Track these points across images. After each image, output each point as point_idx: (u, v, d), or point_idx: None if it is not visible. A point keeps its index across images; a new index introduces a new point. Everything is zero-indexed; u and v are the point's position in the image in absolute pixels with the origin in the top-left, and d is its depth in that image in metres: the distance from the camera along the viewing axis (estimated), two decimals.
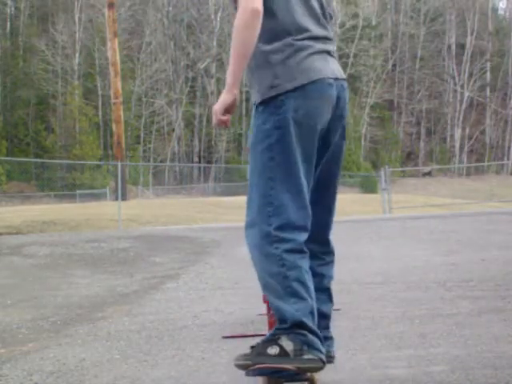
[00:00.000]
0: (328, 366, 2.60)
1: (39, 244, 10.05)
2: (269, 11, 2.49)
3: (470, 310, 4.18)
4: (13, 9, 53.06)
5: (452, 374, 2.73)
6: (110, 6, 26.09)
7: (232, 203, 23.20)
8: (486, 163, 55.15)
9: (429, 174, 54.74)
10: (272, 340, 2.46)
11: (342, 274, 6.40)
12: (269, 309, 3.81)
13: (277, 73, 2.49)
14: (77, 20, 50.29)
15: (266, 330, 3.83)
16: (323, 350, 2.47)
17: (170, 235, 11.45)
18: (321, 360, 2.43)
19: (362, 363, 3.00)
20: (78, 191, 36.03)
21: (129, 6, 51.73)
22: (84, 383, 3.07)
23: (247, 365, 2.47)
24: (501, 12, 73.22)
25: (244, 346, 3.55)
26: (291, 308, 2.44)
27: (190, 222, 17.02)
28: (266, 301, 3.81)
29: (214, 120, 2.55)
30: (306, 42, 2.52)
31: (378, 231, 11.06)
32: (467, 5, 62.41)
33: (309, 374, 2.52)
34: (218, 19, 54.13)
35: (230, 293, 5.67)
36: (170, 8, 55.72)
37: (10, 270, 8.02)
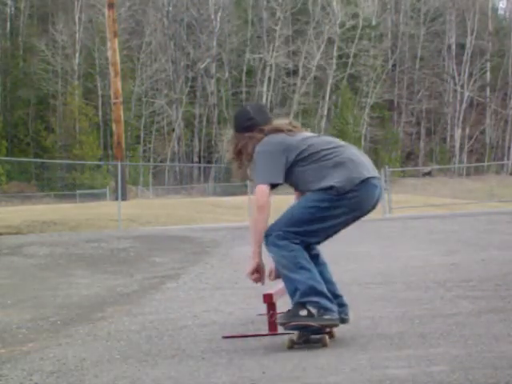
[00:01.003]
0: (328, 367, 2.81)
1: (39, 244, 10.05)
2: None
3: (470, 310, 4.18)
4: (13, 9, 53.05)
5: (452, 373, 2.73)
6: (110, 5, 26.10)
7: (232, 203, 23.21)
8: (485, 163, 55.10)
9: (429, 174, 54.71)
10: (302, 305, 3.36)
11: (342, 274, 6.40)
12: (269, 309, 3.82)
13: None
14: (77, 20, 50.27)
15: (266, 330, 3.83)
16: (335, 309, 3.41)
17: (170, 235, 11.46)
18: (336, 319, 3.40)
19: (362, 363, 3.00)
20: (78, 191, 36.03)
21: (129, 6, 51.70)
22: (84, 383, 3.08)
23: (285, 322, 3.41)
24: (501, 12, 73.23)
25: (244, 346, 3.56)
26: (302, 277, 3.39)
27: (190, 222, 17.02)
28: (265, 301, 3.81)
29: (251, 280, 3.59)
30: None
31: (377, 231, 11.06)
32: (467, 5, 62.36)
33: (328, 329, 3.47)
34: (218, 19, 54.10)
35: (229, 293, 5.68)
36: (170, 8, 55.69)
37: (10, 270, 8.02)
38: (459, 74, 61.28)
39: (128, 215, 16.82)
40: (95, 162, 42.04)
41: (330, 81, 55.45)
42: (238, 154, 3.63)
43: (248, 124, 3.60)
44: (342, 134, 53.45)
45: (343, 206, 3.45)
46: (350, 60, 56.15)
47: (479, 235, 9.56)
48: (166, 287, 6.30)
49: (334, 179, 3.42)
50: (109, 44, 26.57)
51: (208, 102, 53.99)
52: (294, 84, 55.23)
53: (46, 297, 6.08)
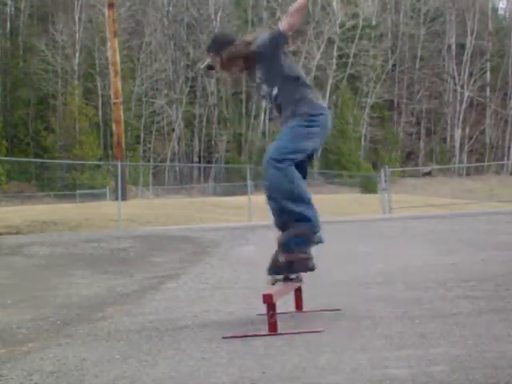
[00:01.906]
0: (328, 367, 2.79)
1: (39, 244, 10.05)
2: None
3: (470, 310, 4.18)
4: (13, 9, 53.07)
5: (452, 373, 2.73)
6: (110, 5, 26.09)
7: (232, 203, 23.21)
8: (485, 163, 55.11)
9: (429, 173, 54.72)
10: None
11: (342, 274, 6.41)
12: (269, 309, 3.82)
13: None
14: (77, 20, 50.28)
15: (266, 330, 3.83)
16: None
17: (170, 235, 11.45)
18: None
19: (362, 363, 3.00)
20: (78, 191, 36.03)
21: (129, 6, 51.70)
22: (84, 383, 3.07)
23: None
24: (501, 12, 73.23)
25: (244, 346, 3.56)
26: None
27: (190, 222, 17.02)
28: (265, 301, 3.81)
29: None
30: None
31: (378, 231, 11.06)
32: (467, 5, 62.37)
33: None
34: (218, 19, 54.12)
35: (230, 293, 5.67)
36: (170, 8, 55.71)
37: (10, 270, 8.02)
38: (459, 74, 61.29)
39: (128, 215, 16.82)
40: (95, 162, 42.04)
41: (330, 81, 55.46)
42: (229, 66, 4.29)
43: (230, 39, 4.34)
44: (342, 134, 53.52)
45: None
46: (350, 60, 56.17)
47: (479, 235, 9.56)
48: (166, 287, 6.30)
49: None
50: (109, 44, 26.57)
51: (208, 101, 54.00)
52: None
53: (46, 297, 6.08)
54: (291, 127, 4.19)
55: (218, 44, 4.31)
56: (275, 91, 4.28)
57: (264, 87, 4.37)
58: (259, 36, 4.24)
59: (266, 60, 4.21)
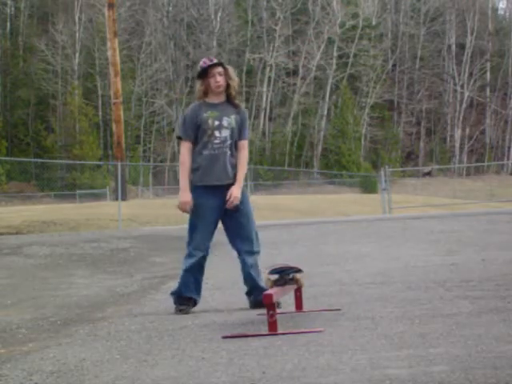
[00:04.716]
0: (328, 367, 2.73)
1: (39, 244, 10.05)
2: None
3: (470, 310, 4.18)
4: (13, 9, 53.07)
5: (452, 373, 2.73)
6: (110, 5, 26.07)
7: None
8: (485, 163, 55.10)
9: (429, 174, 54.71)
10: None
11: (342, 274, 6.41)
12: (269, 309, 3.82)
13: None
14: (77, 20, 50.29)
15: (266, 330, 3.83)
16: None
17: (170, 235, 11.44)
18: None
19: (362, 363, 3.00)
20: (78, 191, 36.01)
21: (129, 5, 51.70)
22: (84, 383, 3.07)
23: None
24: (501, 12, 73.23)
25: (244, 346, 3.56)
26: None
27: None
28: (265, 301, 3.81)
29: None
30: None
31: (378, 231, 11.06)
32: (467, 5, 62.36)
33: None
34: (218, 19, 54.12)
35: (229, 293, 5.68)
36: (170, 8, 55.70)
37: (10, 270, 8.02)
38: (459, 74, 61.28)
39: (128, 215, 16.80)
40: (95, 162, 42.02)
41: (330, 81, 55.46)
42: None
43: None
44: (342, 134, 53.52)
45: None
46: (350, 60, 56.16)
47: (479, 235, 9.56)
48: (166, 287, 6.30)
49: None
50: (109, 44, 26.55)
51: None
52: (294, 84, 55.23)
53: (45, 297, 6.08)
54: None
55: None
56: (230, 141, 4.81)
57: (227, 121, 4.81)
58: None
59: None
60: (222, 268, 7.54)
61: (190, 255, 4.99)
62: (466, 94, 60.51)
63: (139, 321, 4.64)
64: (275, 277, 4.33)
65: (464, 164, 57.62)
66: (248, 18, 55.14)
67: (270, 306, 3.79)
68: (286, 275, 4.36)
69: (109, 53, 26.88)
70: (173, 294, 4.89)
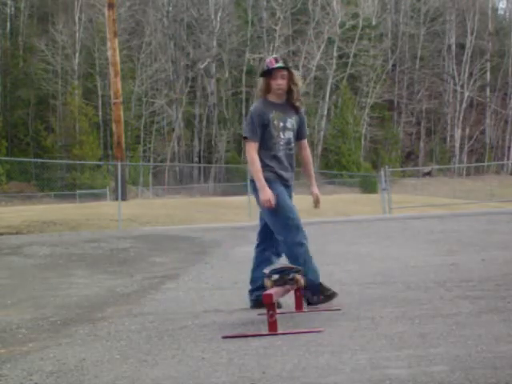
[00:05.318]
0: (328, 367, 2.79)
1: (39, 244, 10.04)
2: None
3: (470, 310, 4.18)
4: (13, 9, 53.04)
5: (452, 373, 2.73)
6: (110, 5, 26.06)
7: (232, 203, 23.19)
8: (485, 163, 55.09)
9: (429, 174, 54.70)
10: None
11: (342, 274, 6.40)
12: (269, 309, 3.82)
13: None
14: (77, 20, 50.26)
15: (266, 330, 3.83)
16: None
17: (170, 235, 11.44)
18: None
19: (362, 363, 3.00)
20: (78, 191, 35.99)
21: (129, 5, 51.67)
22: (84, 383, 3.07)
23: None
24: (501, 12, 73.18)
25: (244, 346, 3.56)
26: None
27: (190, 222, 17.01)
28: (265, 301, 3.81)
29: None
30: None
31: (378, 231, 11.06)
32: (467, 5, 62.34)
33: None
34: (218, 19, 54.09)
35: (229, 293, 5.68)
36: (170, 8, 55.67)
37: (10, 270, 8.02)
38: (459, 74, 61.27)
39: (128, 215, 16.80)
40: (95, 162, 42.00)
41: (330, 81, 55.44)
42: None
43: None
44: (342, 134, 53.52)
45: None
46: (350, 60, 56.13)
47: (479, 235, 9.56)
48: (166, 287, 6.30)
49: None
50: (109, 44, 26.54)
51: (208, 101, 53.97)
52: None
53: (46, 297, 6.08)
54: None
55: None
56: (293, 143, 4.92)
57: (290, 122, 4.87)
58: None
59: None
60: (222, 268, 7.54)
61: (301, 243, 4.72)
62: (466, 94, 60.50)
63: (139, 321, 4.64)
64: (275, 277, 4.32)
65: (464, 164, 57.61)
66: (248, 18, 55.12)
67: (270, 305, 3.79)
68: (285, 275, 4.35)
69: (109, 53, 26.87)
70: (315, 287, 4.72)
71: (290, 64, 5.19)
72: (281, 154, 4.81)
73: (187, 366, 3.23)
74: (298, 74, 4.85)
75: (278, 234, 4.72)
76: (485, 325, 3.68)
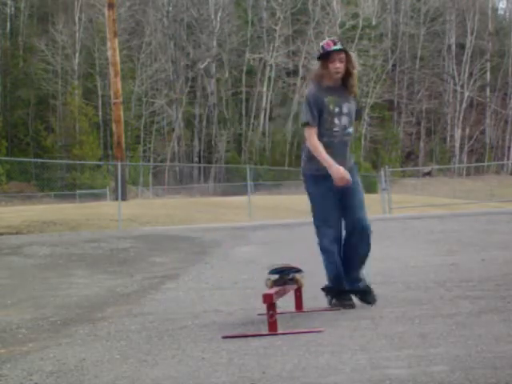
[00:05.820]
0: (328, 367, 2.83)
1: (39, 244, 10.04)
2: None
3: (470, 310, 4.18)
4: (13, 9, 53.03)
5: (452, 373, 2.73)
6: (110, 5, 26.06)
7: (232, 203, 23.19)
8: (485, 163, 55.08)
9: (429, 174, 54.70)
10: None
11: None
12: (269, 309, 3.82)
13: None
14: (77, 20, 50.26)
15: (266, 330, 3.83)
16: None
17: (170, 235, 11.44)
18: None
19: (362, 363, 3.00)
20: (77, 191, 35.99)
21: (129, 5, 51.66)
22: (84, 383, 3.07)
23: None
24: (501, 12, 73.16)
25: (244, 346, 3.56)
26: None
27: (190, 222, 17.01)
28: (265, 301, 3.81)
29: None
30: None
31: (377, 231, 11.03)
32: (467, 5, 62.34)
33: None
34: (218, 19, 54.07)
35: (229, 293, 5.67)
36: (170, 8, 55.66)
37: (10, 270, 8.02)
38: (459, 74, 61.26)
39: (128, 215, 16.80)
40: (95, 162, 42.00)
41: None
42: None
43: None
44: None
45: None
46: None
47: (479, 235, 9.56)
48: (166, 287, 6.30)
49: None
50: (109, 44, 26.54)
51: (208, 101, 53.96)
52: (294, 84, 55.20)
53: (45, 297, 6.08)
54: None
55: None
56: (351, 128, 4.75)
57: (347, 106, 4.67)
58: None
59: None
60: (222, 268, 7.54)
61: (325, 249, 4.72)
62: (466, 93, 60.49)
63: (139, 321, 4.64)
64: (275, 277, 4.33)
65: (464, 164, 57.59)
66: (248, 18, 55.11)
67: (269, 305, 3.79)
68: (285, 275, 4.35)
69: (109, 53, 26.88)
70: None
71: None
72: (336, 140, 4.63)
73: (187, 366, 3.23)
74: (355, 57, 4.65)
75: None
76: (485, 325, 3.68)
